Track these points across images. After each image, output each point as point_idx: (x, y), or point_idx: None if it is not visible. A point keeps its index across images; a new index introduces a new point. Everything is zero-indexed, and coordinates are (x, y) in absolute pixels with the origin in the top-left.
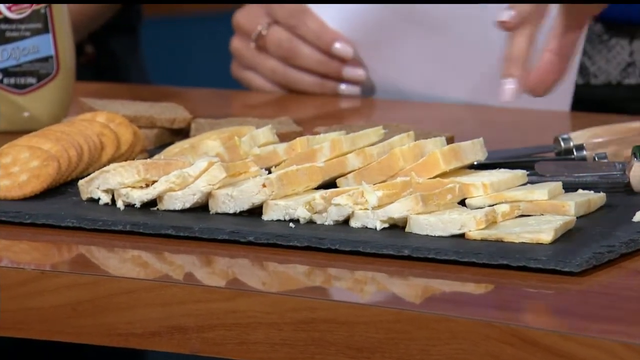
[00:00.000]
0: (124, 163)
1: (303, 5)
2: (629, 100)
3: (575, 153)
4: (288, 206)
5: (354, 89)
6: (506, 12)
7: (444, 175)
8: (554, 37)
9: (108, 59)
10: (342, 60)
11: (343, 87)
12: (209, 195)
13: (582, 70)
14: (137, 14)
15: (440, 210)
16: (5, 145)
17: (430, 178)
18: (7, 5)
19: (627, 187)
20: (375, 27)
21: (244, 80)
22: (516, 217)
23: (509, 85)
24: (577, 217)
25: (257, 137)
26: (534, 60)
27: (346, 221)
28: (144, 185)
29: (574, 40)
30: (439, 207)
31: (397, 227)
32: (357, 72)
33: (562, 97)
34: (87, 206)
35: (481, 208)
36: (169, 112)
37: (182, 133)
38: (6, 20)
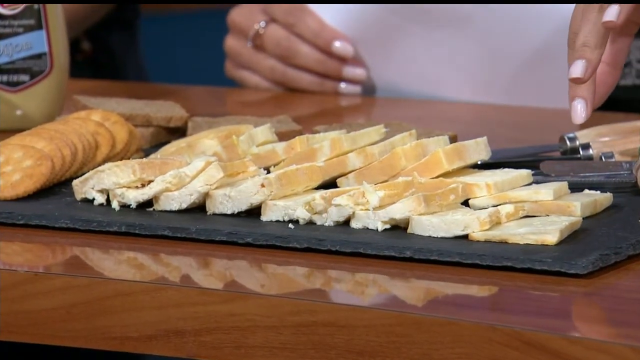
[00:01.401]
0: (119, 162)
1: (301, 4)
2: (624, 101)
3: (581, 152)
4: (287, 207)
5: (355, 88)
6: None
7: (446, 175)
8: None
9: (105, 56)
10: (342, 59)
11: (343, 85)
12: (206, 195)
13: None
14: (134, 9)
15: (443, 211)
16: None
17: (433, 178)
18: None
19: (634, 187)
20: (375, 26)
21: (239, 80)
22: (521, 217)
23: (580, 107)
24: (583, 218)
25: (256, 135)
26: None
27: (347, 222)
28: (139, 185)
29: (624, 48)
30: (442, 208)
31: (398, 228)
32: (357, 72)
33: None
34: (81, 207)
35: (485, 209)
36: (166, 110)
37: (178, 132)
38: None
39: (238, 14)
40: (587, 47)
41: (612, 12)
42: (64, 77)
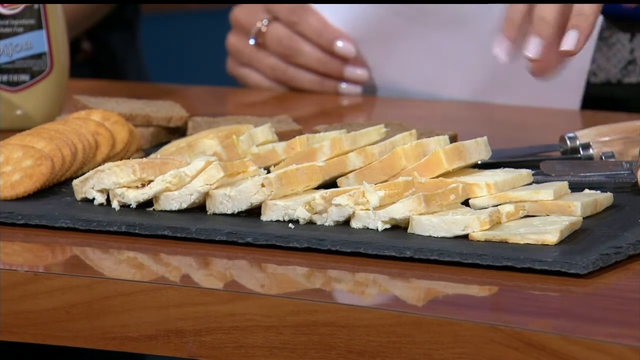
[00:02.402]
0: (119, 162)
1: (304, 3)
2: (628, 100)
3: (581, 152)
4: (287, 206)
5: (355, 89)
6: (532, 45)
7: (447, 174)
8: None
9: (106, 56)
10: (344, 59)
11: (344, 85)
12: (206, 195)
13: None
14: (134, 9)
15: (443, 211)
16: None
17: (433, 178)
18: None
19: (635, 187)
20: (376, 25)
21: (240, 78)
22: (521, 217)
23: (503, 46)
24: (583, 218)
25: (256, 135)
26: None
27: (347, 222)
28: (139, 185)
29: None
30: (442, 208)
31: (399, 228)
32: (358, 72)
33: (571, 95)
34: (81, 206)
35: (485, 208)
36: (166, 110)
37: (178, 132)
38: None
39: (241, 12)
40: (543, 22)
41: (571, 41)
42: (64, 77)
